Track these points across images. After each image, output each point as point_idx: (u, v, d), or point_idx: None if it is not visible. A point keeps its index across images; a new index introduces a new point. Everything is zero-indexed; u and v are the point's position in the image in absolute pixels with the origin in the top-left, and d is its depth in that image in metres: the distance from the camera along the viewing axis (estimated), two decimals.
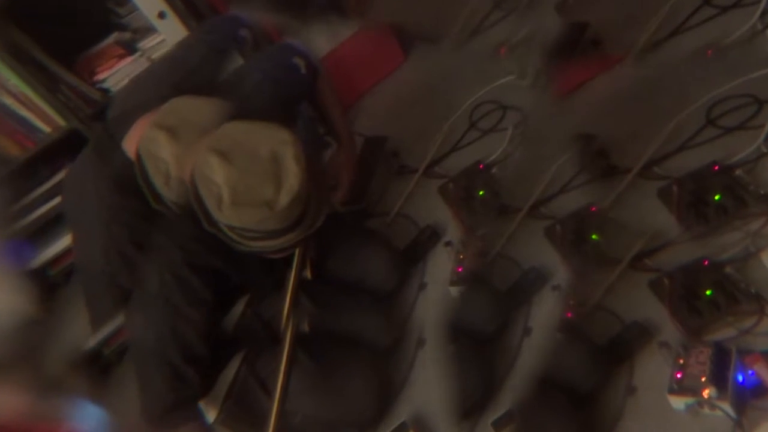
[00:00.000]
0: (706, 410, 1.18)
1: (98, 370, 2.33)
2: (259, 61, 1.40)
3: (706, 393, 1.17)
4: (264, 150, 1.13)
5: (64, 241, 2.12)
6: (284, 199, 1.14)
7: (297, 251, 1.35)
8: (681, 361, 1.23)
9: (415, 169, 1.95)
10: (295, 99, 1.43)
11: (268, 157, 1.13)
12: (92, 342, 1.76)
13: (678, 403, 1.21)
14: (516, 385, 1.37)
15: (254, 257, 1.33)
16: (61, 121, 1.96)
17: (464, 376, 1.37)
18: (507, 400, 1.36)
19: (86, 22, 1.98)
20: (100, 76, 1.99)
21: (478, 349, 1.41)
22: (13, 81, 1.85)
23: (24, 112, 1.92)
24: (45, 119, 1.95)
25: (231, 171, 1.12)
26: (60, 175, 2.06)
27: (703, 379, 1.18)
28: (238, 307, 1.50)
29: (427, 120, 2.10)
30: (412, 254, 1.72)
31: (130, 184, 1.28)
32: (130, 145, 1.27)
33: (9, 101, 1.88)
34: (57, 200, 2.05)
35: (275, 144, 1.14)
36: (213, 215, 1.17)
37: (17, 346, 1.77)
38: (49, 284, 2.22)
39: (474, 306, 1.46)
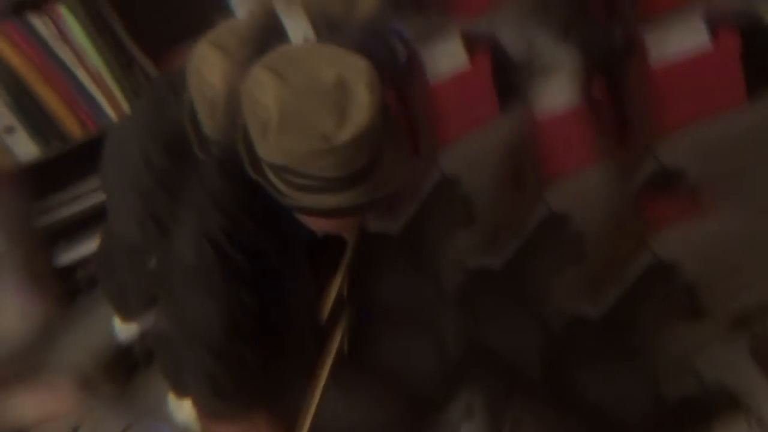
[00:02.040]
0: None
1: (124, 371, 2.12)
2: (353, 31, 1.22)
3: None
4: (329, 74, 0.89)
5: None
6: (346, 133, 0.87)
7: (349, 242, 1.11)
8: None
9: None
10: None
11: (333, 82, 0.88)
12: (123, 335, 1.52)
13: None
14: None
15: (301, 248, 1.11)
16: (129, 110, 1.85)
17: None
18: None
19: (188, 18, 1.89)
20: None
21: None
22: (91, 56, 1.76)
23: (95, 92, 1.81)
24: (114, 105, 1.84)
25: (284, 91, 0.88)
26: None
27: None
28: None
29: None
30: None
31: (185, 148, 1.12)
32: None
33: (82, 76, 1.78)
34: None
35: (345, 69, 0.89)
36: (257, 150, 0.94)
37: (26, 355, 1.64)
38: (73, 287, 2.05)
39: None
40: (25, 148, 1.81)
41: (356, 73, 0.88)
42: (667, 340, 1.32)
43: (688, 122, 1.26)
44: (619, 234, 1.32)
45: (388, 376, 1.27)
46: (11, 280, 1.75)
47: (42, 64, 1.73)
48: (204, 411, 1.22)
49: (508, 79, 1.25)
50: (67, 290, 2.05)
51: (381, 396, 1.24)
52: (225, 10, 1.74)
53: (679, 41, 1.20)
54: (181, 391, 1.38)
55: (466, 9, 1.27)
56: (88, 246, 1.99)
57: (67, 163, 1.94)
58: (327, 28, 0.95)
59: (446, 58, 1.28)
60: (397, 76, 1.30)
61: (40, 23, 1.68)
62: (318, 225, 1.03)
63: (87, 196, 1.97)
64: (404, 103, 1.38)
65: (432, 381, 1.28)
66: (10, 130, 1.78)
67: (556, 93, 1.23)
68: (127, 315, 1.52)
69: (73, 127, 1.84)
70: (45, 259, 2.00)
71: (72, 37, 1.72)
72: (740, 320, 1.31)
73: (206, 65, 0.97)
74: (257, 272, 1.11)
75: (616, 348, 1.30)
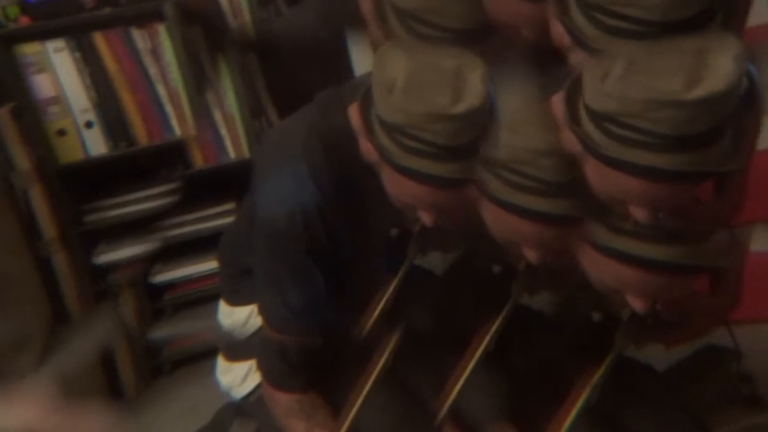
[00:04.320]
0: None
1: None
2: None
3: None
4: (449, 63, 0.99)
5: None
6: (460, 107, 0.95)
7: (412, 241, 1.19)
8: None
9: None
10: None
11: (451, 69, 0.98)
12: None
13: None
14: None
15: (375, 252, 1.21)
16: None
17: None
18: None
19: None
20: None
21: None
22: (174, 74, 2.00)
23: (168, 106, 2.03)
24: (182, 122, 2.06)
25: (411, 63, 0.99)
26: (158, 189, 2.13)
27: None
28: None
29: None
30: None
31: (341, 151, 1.16)
32: (355, 111, 1.14)
33: (161, 90, 2.01)
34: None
35: (463, 63, 0.99)
36: (378, 110, 1.03)
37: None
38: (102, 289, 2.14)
39: None
40: (97, 143, 2.01)
41: (473, 68, 0.99)
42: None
43: None
44: None
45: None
46: None
47: (131, 72, 1.97)
48: (267, 376, 1.28)
49: None
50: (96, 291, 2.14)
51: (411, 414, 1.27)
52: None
53: None
54: (239, 355, 1.42)
55: None
56: (125, 251, 2.13)
57: (128, 169, 2.13)
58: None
59: None
60: None
61: (138, 36, 1.94)
62: (408, 194, 1.06)
63: (135, 203, 2.12)
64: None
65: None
66: (89, 124, 1.98)
67: None
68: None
69: (141, 134, 2.04)
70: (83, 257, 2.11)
71: (161, 54, 1.97)
72: None
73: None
74: (333, 260, 1.19)
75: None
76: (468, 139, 0.98)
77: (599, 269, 1.02)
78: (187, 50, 1.98)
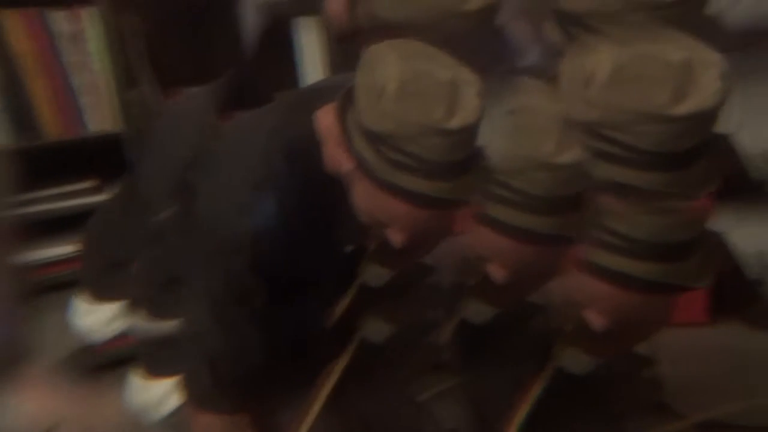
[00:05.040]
0: None
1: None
2: None
3: None
4: (444, 74, 0.93)
5: None
6: (456, 122, 0.90)
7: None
8: None
9: None
10: None
11: (446, 81, 0.93)
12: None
13: None
14: None
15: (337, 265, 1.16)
16: (111, 126, 1.89)
17: None
18: None
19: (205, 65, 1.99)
20: None
21: None
22: (98, 62, 1.84)
23: (85, 99, 1.87)
24: (99, 116, 1.89)
25: (405, 69, 0.92)
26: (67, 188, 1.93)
27: None
28: None
29: None
30: None
31: (305, 160, 1.09)
32: (324, 117, 1.08)
33: (78, 81, 1.84)
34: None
35: (458, 76, 0.94)
36: (363, 116, 0.95)
37: None
38: None
39: None
40: None
41: (467, 82, 0.94)
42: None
43: None
44: None
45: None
46: None
47: (46, 57, 1.79)
48: (194, 396, 1.17)
49: None
50: None
51: None
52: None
53: None
54: (162, 370, 1.30)
55: None
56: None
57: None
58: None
59: None
60: None
61: (58, 18, 1.77)
62: (384, 210, 1.00)
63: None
64: None
65: None
66: None
67: None
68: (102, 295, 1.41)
69: (52, 126, 1.86)
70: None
71: (84, 42, 1.80)
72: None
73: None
74: (282, 276, 1.11)
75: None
76: (458, 157, 0.93)
77: (571, 285, 1.00)
78: (116, 37, 1.82)
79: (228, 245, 1.10)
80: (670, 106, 0.83)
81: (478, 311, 1.19)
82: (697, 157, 0.88)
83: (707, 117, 0.86)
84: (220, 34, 1.93)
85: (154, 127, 1.43)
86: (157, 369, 1.31)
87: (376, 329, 1.24)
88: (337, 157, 1.03)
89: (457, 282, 1.24)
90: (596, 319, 0.99)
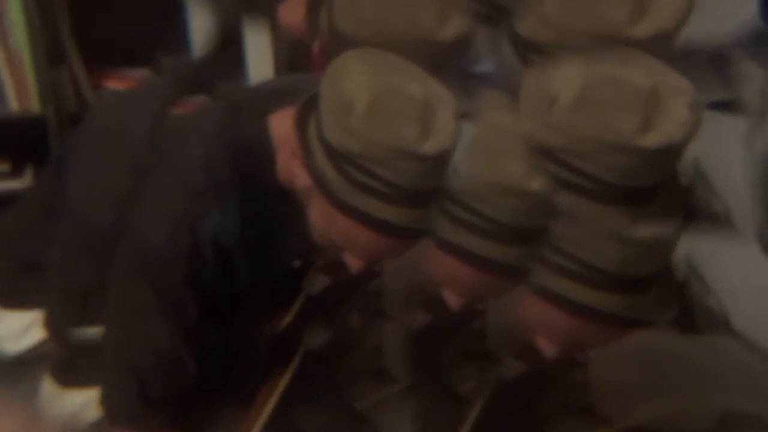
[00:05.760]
0: None
1: None
2: None
3: None
4: (417, 90, 0.85)
5: None
6: (430, 147, 0.82)
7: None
8: None
9: None
10: None
11: (420, 99, 0.84)
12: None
13: None
14: None
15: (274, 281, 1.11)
16: (36, 106, 1.73)
17: None
18: None
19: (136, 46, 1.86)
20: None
21: None
22: (19, 37, 1.68)
23: (4, 75, 1.71)
24: (22, 94, 1.74)
25: (377, 82, 0.84)
26: None
27: None
28: None
29: None
30: None
31: (252, 167, 1.02)
32: (279, 123, 1.00)
33: None
34: None
35: (431, 93, 0.86)
36: (326, 132, 0.87)
37: None
38: None
39: None
40: None
41: (442, 102, 0.87)
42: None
43: None
44: None
45: None
46: None
47: None
48: (114, 412, 1.08)
49: None
50: None
51: None
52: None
53: None
54: (79, 381, 1.19)
55: None
56: None
57: None
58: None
59: None
60: None
61: None
62: (342, 234, 0.93)
63: None
64: None
65: None
66: None
67: None
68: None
69: None
70: None
71: (5, 10, 1.65)
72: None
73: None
74: (220, 292, 1.05)
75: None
76: (429, 184, 0.86)
77: (526, 311, 0.93)
78: (41, 9, 1.67)
79: (162, 257, 1.01)
80: (637, 135, 0.78)
81: (416, 318, 1.18)
82: (661, 191, 0.84)
83: (674, 150, 0.82)
84: (159, 14, 1.80)
85: (93, 115, 1.29)
86: (69, 378, 1.21)
87: (314, 335, 1.20)
88: (291, 170, 0.94)
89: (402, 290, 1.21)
90: (548, 347, 0.95)
